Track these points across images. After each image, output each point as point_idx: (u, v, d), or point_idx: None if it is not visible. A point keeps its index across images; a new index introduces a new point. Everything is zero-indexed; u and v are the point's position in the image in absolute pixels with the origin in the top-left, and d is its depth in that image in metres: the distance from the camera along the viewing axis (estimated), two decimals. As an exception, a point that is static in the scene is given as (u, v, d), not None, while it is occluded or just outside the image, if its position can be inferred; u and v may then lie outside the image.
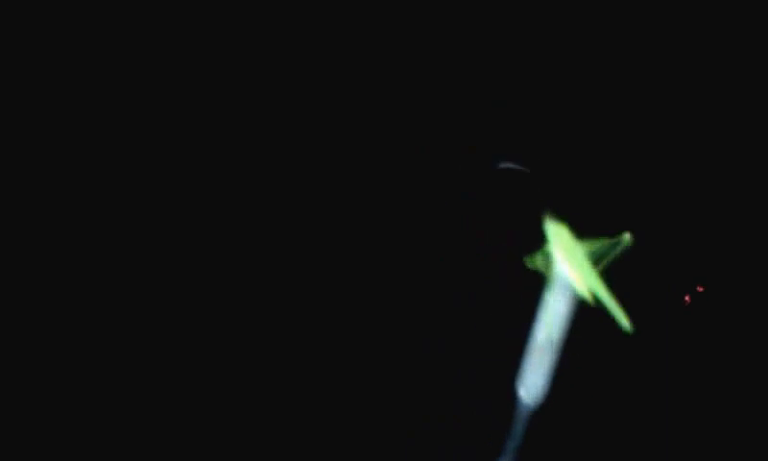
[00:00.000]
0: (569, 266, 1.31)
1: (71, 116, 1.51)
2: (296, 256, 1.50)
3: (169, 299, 1.46)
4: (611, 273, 1.32)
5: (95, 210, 1.49)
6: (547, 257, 1.32)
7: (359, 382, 1.50)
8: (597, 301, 1.30)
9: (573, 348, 1.30)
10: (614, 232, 1.32)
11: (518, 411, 1.32)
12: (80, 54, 1.52)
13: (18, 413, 1.39)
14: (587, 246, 1.33)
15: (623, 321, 1.30)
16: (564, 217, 1.32)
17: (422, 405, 1.49)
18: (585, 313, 1.30)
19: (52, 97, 1.50)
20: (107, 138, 1.51)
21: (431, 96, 1.60)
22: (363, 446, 1.47)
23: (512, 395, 1.29)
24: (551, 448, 1.40)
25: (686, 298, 1.38)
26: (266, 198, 1.53)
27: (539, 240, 1.29)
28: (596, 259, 1.33)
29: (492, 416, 1.32)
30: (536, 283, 1.30)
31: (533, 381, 1.31)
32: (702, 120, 1.64)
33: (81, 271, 1.46)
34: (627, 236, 1.33)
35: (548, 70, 1.61)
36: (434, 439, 1.48)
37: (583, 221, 1.34)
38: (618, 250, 1.32)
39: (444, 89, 1.60)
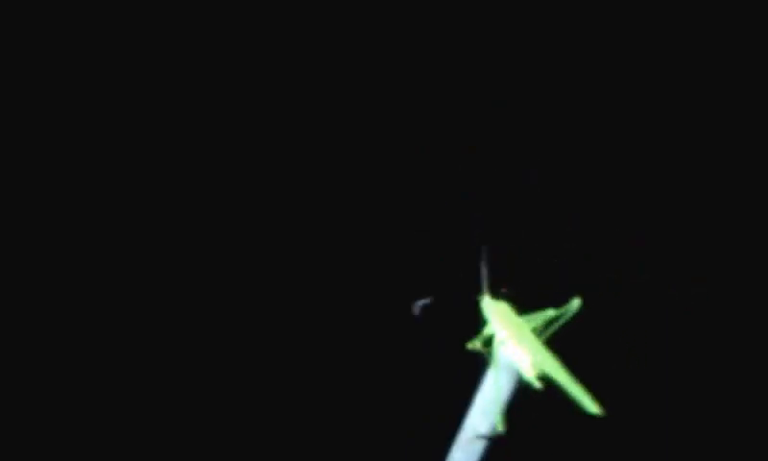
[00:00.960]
0: (514, 345, 1.20)
1: (71, 116, 1.51)
2: (290, 256, 1.50)
3: (168, 298, 1.47)
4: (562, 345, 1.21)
5: (95, 210, 1.49)
6: (487, 339, 1.20)
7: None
8: (550, 383, 1.18)
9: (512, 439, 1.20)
10: (562, 300, 1.21)
11: None
12: (80, 54, 1.51)
13: (18, 413, 1.41)
14: (532, 320, 1.22)
15: (587, 403, 1.18)
16: (503, 292, 1.21)
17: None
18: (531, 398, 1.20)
19: (52, 97, 1.50)
20: (107, 138, 1.51)
21: (429, 97, 1.56)
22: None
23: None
24: None
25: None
26: (265, 198, 1.52)
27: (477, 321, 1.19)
28: (544, 331, 1.21)
29: None
30: (473, 366, 1.20)
31: None
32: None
33: (80, 271, 1.47)
34: (576, 301, 1.20)
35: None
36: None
37: (526, 292, 1.24)
38: (568, 317, 1.20)
39: (441, 90, 1.56)
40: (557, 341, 1.20)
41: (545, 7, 1.54)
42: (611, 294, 1.46)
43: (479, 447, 1.23)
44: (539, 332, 1.21)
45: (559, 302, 1.21)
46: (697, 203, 1.56)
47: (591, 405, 1.18)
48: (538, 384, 1.19)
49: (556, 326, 1.21)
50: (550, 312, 1.21)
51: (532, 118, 1.53)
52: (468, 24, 1.55)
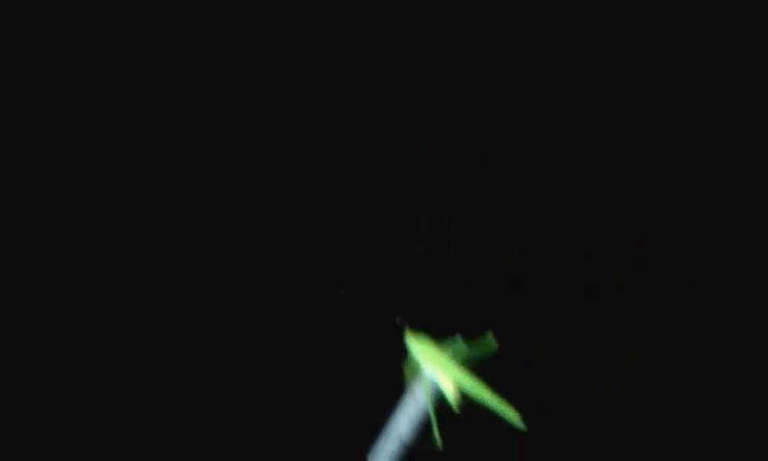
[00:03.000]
0: (436, 370, 1.32)
1: (71, 116, 1.53)
2: (285, 256, 1.50)
3: (166, 298, 1.47)
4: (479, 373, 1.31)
5: (95, 210, 1.51)
6: (412, 364, 1.33)
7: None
8: (473, 401, 1.30)
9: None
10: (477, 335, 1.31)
11: None
12: (80, 54, 1.54)
13: (18, 413, 1.43)
14: (451, 351, 1.33)
15: (510, 415, 1.30)
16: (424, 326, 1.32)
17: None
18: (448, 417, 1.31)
19: (52, 97, 1.53)
20: (106, 138, 1.53)
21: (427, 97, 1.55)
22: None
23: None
24: None
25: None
26: (263, 198, 1.52)
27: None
28: (462, 361, 1.33)
29: None
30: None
31: None
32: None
33: (80, 271, 1.49)
34: (490, 338, 1.31)
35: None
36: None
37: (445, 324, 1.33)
38: (484, 351, 1.32)
39: (438, 90, 1.55)
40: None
41: (545, 7, 1.54)
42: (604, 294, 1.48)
43: (396, 451, 1.34)
44: (457, 360, 1.33)
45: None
46: (696, 203, 1.53)
47: (513, 417, 1.30)
48: (455, 403, 1.30)
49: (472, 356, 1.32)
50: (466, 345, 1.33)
51: (528, 120, 1.54)
52: (467, 24, 1.56)
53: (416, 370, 1.33)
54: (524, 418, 1.29)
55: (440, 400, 1.32)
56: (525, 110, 1.53)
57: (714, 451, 1.44)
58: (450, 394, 1.31)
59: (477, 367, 1.32)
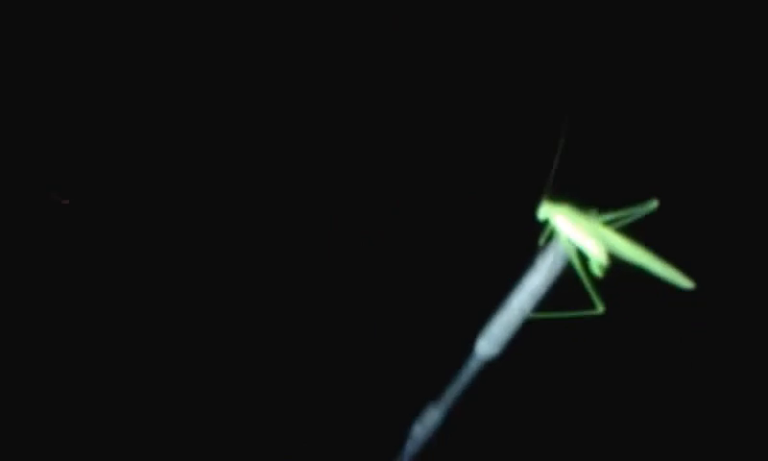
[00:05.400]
0: (582, 233, 1.22)
1: (70, 116, 1.50)
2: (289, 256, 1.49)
3: (165, 298, 1.45)
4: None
5: (95, 210, 1.47)
6: (551, 229, 1.24)
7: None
8: (627, 265, 1.21)
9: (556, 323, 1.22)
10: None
11: (470, 362, 1.26)
12: (80, 54, 1.50)
13: (18, 413, 1.39)
14: (599, 216, 1.25)
15: (677, 278, 1.19)
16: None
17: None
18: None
19: (52, 97, 1.49)
20: (107, 138, 1.51)
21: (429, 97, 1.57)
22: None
23: (469, 343, 1.24)
24: (491, 412, 1.36)
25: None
26: (262, 198, 1.51)
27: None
28: (614, 225, 1.24)
29: (440, 358, 1.27)
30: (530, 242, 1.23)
31: (496, 337, 1.24)
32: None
33: (81, 271, 1.46)
34: (654, 203, 1.22)
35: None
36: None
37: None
38: (640, 215, 1.22)
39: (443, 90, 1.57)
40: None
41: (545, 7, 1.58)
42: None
43: (517, 323, 1.24)
44: (609, 224, 1.24)
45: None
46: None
47: (682, 280, 1.21)
48: (601, 266, 1.22)
49: (627, 221, 1.24)
50: (619, 212, 1.25)
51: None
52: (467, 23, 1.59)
53: (552, 235, 1.24)
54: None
55: (582, 266, 1.23)
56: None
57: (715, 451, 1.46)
58: (596, 255, 1.22)
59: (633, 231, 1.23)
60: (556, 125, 1.31)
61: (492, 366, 1.23)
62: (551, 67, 1.55)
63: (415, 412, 1.23)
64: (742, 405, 1.52)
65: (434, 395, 1.24)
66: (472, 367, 1.26)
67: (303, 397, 1.45)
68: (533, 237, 1.24)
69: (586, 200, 1.25)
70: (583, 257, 1.23)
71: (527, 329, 1.22)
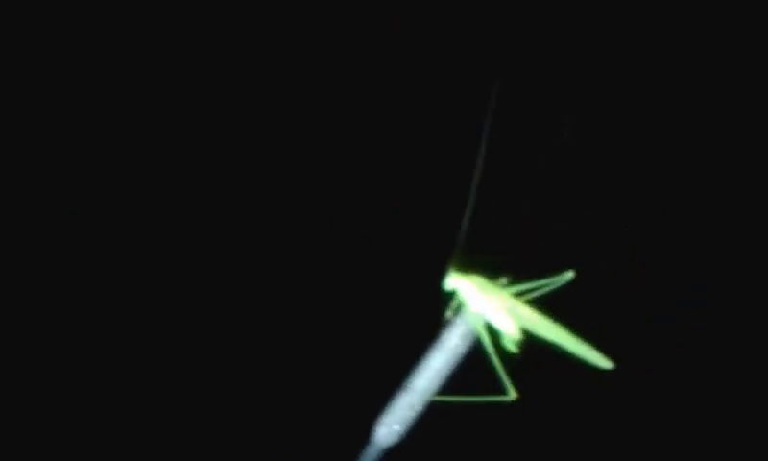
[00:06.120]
0: (493, 308, 1.12)
1: (69, 116, 1.48)
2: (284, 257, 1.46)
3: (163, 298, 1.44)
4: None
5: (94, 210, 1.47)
6: (459, 301, 1.12)
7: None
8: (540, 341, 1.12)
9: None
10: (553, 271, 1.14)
11: (367, 451, 1.14)
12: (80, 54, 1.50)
13: (18, 413, 1.39)
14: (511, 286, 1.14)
15: (596, 358, 1.11)
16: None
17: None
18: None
19: (51, 97, 1.49)
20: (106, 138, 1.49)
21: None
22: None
23: (365, 429, 1.12)
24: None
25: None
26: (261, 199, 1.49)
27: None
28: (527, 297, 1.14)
29: (331, 448, 1.21)
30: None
31: (396, 422, 1.12)
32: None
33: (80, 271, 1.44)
34: (570, 274, 1.13)
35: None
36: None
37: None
38: (556, 285, 1.13)
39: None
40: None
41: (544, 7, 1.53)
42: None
43: (420, 406, 1.13)
44: (521, 299, 1.14)
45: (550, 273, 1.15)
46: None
47: (601, 359, 1.11)
48: (514, 345, 1.11)
49: (540, 292, 1.14)
50: (532, 284, 1.15)
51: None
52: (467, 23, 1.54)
53: (459, 308, 1.13)
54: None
55: (493, 343, 1.12)
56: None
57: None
58: (509, 332, 1.12)
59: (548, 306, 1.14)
60: (464, 182, 1.21)
61: (391, 455, 1.12)
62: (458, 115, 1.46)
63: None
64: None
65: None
66: (369, 457, 1.14)
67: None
68: (438, 310, 1.14)
69: (497, 269, 1.15)
70: (494, 333, 1.12)
71: (431, 413, 1.11)
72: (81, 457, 1.39)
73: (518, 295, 1.14)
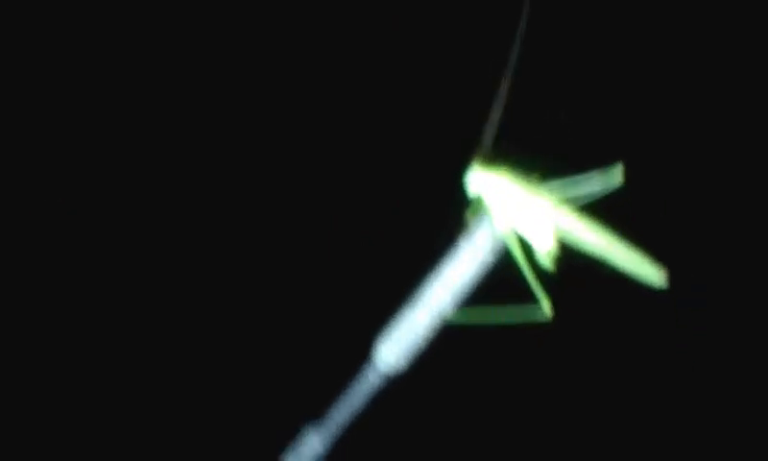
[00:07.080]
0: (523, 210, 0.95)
1: (69, 116, 1.47)
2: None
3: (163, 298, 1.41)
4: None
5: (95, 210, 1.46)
6: (482, 203, 0.96)
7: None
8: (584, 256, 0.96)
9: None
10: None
11: (366, 375, 1.00)
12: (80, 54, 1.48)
13: (18, 413, 1.39)
14: (549, 188, 0.97)
15: (650, 274, 0.96)
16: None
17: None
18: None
19: (51, 97, 1.48)
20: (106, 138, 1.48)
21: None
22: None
23: (365, 349, 1.00)
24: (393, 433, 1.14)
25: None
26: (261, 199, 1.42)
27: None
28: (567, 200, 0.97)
29: (326, 367, 1.09)
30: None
31: (401, 343, 0.98)
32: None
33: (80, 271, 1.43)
34: (619, 171, 0.96)
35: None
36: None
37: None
38: (602, 187, 0.96)
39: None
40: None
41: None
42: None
43: (431, 326, 0.98)
44: (559, 200, 0.97)
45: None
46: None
47: (656, 276, 0.96)
48: (550, 255, 0.94)
49: (583, 192, 0.96)
50: (572, 181, 0.97)
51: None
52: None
53: (483, 210, 0.96)
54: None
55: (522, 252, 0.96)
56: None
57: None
58: (544, 242, 0.94)
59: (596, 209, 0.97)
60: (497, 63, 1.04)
61: (394, 383, 1.00)
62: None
63: (289, 437, 1.04)
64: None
65: (315, 415, 1.03)
66: (368, 382, 1.00)
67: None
68: (457, 213, 0.99)
69: (530, 164, 0.98)
70: (524, 244, 0.97)
71: (444, 336, 0.98)
72: (81, 457, 1.37)
73: (556, 196, 0.96)
